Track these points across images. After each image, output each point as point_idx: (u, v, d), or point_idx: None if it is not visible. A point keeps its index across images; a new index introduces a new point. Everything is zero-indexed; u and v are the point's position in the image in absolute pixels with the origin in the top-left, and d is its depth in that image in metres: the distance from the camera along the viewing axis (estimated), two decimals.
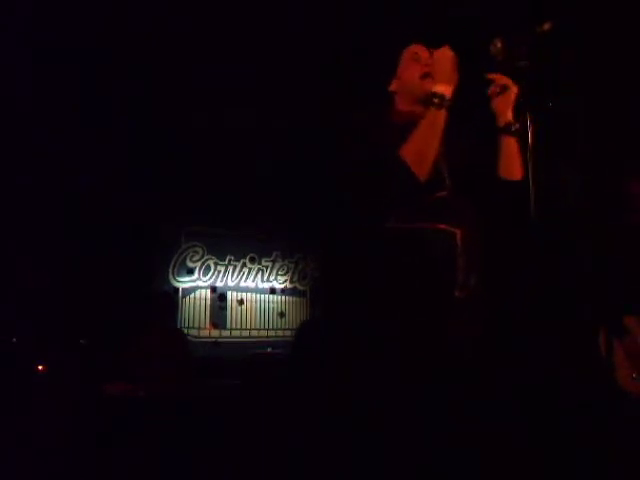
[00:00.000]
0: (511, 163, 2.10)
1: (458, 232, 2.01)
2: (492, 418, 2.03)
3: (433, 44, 2.09)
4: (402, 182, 1.93)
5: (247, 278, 6.91)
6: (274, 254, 7.10)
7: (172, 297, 5.48)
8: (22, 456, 3.41)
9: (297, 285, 7.21)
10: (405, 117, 2.09)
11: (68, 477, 3.40)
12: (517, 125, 2.09)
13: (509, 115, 2.11)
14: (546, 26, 1.89)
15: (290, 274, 7.17)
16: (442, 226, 2.00)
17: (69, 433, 3.59)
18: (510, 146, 2.10)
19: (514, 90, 2.08)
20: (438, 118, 1.95)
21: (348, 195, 2.18)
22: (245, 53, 4.50)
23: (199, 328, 6.47)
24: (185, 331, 5.85)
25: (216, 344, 6.40)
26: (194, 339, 6.24)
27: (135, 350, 4.39)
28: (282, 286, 7.11)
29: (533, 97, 1.93)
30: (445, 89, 1.97)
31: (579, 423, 3.03)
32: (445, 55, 2.01)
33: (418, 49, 2.21)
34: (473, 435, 1.95)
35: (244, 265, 6.91)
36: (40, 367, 4.53)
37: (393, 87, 2.24)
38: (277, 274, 7.10)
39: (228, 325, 6.68)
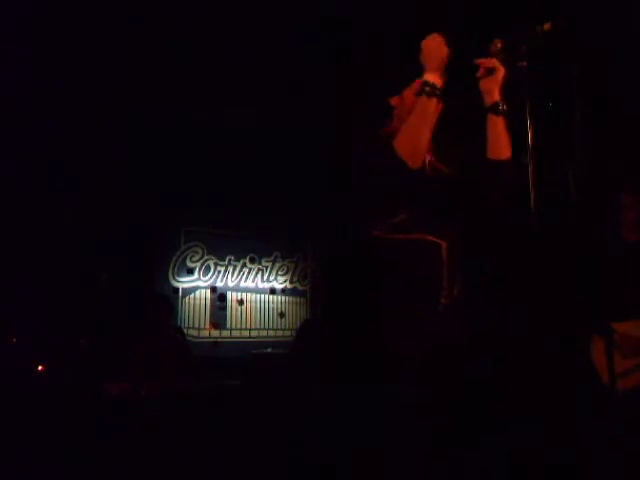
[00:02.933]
0: (498, 143, 2.14)
1: (444, 244, 2.10)
2: (479, 418, 2.08)
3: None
4: (395, 171, 1.98)
5: (247, 278, 6.91)
6: (274, 254, 7.11)
7: (170, 299, 5.47)
8: (22, 456, 3.41)
9: (297, 285, 7.21)
10: (395, 132, 2.11)
11: (68, 477, 3.41)
12: (504, 105, 2.12)
13: (496, 95, 2.13)
14: (546, 26, 1.89)
15: (290, 274, 7.17)
16: (429, 237, 2.08)
17: (69, 433, 3.59)
18: (497, 126, 2.13)
19: (501, 71, 2.10)
20: (429, 106, 1.99)
21: (349, 197, 2.24)
22: (246, 52, 4.50)
23: (199, 328, 6.47)
24: (185, 331, 5.84)
25: (216, 344, 6.40)
26: (194, 339, 6.25)
27: (135, 350, 4.39)
28: (282, 286, 7.11)
29: (532, 97, 1.93)
30: (436, 78, 2.00)
31: (570, 421, 3.09)
32: (434, 44, 2.03)
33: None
34: (463, 433, 1.99)
35: (244, 265, 6.91)
36: (40, 367, 4.53)
37: (394, 101, 2.30)
38: (277, 274, 7.11)
39: (228, 325, 6.68)
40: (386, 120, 2.28)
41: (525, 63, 1.95)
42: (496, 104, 2.12)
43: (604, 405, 2.79)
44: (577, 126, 1.89)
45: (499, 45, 2.05)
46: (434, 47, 2.03)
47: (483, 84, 2.14)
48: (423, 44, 2.05)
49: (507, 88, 2.11)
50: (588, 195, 1.91)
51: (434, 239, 2.08)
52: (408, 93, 2.23)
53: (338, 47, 4.27)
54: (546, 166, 2.04)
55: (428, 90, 1.98)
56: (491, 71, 2.10)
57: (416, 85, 2.18)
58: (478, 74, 2.13)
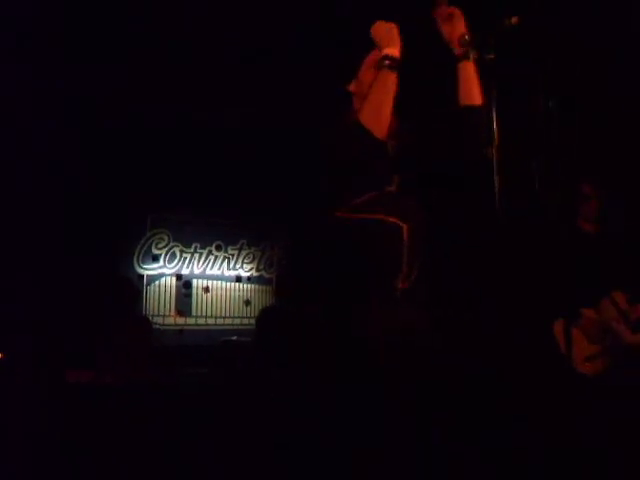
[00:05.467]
0: (470, 88, 2.17)
1: (405, 226, 2.11)
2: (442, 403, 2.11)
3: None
4: (362, 143, 2.01)
5: (213, 266, 6.88)
6: (240, 242, 7.08)
7: (134, 283, 5.42)
8: None
9: (263, 273, 7.20)
10: None
11: (32, 466, 3.37)
12: (474, 52, 2.15)
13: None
14: (514, 20, 1.92)
15: (256, 262, 7.16)
16: (391, 219, 2.10)
17: (33, 423, 3.54)
18: (468, 71, 2.17)
19: (461, 16, 2.16)
20: (390, 79, 2.05)
21: (315, 179, 2.25)
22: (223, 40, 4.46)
23: (164, 315, 6.43)
24: (150, 319, 5.80)
25: (181, 332, 6.37)
26: (159, 327, 6.21)
27: (100, 337, 4.35)
28: (248, 274, 7.10)
29: (499, 90, 1.96)
30: (392, 51, 2.06)
31: (538, 405, 3.18)
32: (381, 26, 2.11)
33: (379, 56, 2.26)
34: (426, 418, 2.03)
35: (210, 253, 6.87)
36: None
37: (352, 88, 2.34)
38: (243, 262, 7.09)
39: (193, 313, 6.65)
40: (348, 107, 2.31)
41: (493, 56, 1.97)
42: (466, 51, 2.15)
43: (570, 389, 2.88)
44: (542, 119, 1.93)
45: (467, 37, 2.08)
46: (382, 27, 2.11)
47: (446, 32, 2.19)
48: (372, 30, 2.12)
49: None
50: (552, 188, 1.95)
51: (396, 221, 2.10)
52: (363, 73, 2.29)
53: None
54: (512, 158, 2.07)
55: (388, 63, 2.05)
56: (449, 17, 2.16)
57: (369, 62, 2.26)
58: (437, 20, 2.18)
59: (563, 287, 2.98)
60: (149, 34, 4.27)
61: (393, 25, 2.09)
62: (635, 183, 3.75)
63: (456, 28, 2.16)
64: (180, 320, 6.49)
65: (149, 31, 4.24)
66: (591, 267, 3.29)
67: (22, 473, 3.30)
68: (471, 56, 2.14)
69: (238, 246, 7.07)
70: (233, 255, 7.03)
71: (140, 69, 4.77)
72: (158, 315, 6.37)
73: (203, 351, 5.55)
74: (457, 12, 2.16)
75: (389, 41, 2.07)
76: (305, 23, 4.17)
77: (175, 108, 5.35)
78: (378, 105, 2.03)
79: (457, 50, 2.17)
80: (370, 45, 2.17)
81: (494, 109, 1.94)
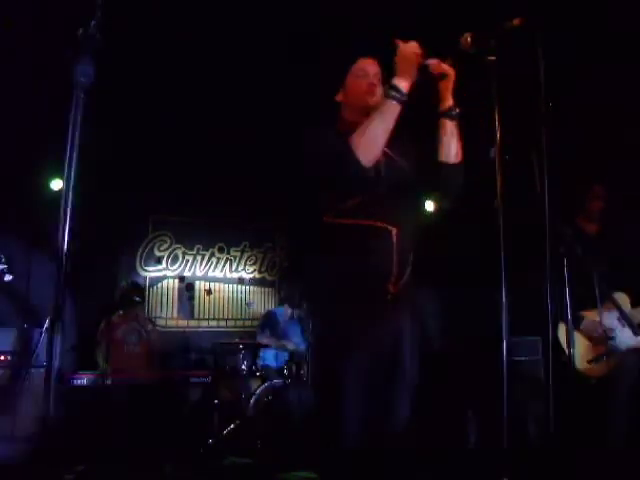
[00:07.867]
0: (449, 147, 2.15)
1: (394, 229, 2.08)
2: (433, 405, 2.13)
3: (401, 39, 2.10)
4: (346, 166, 1.99)
5: (215, 268, 6.88)
6: (243, 244, 7.09)
7: (142, 287, 5.43)
8: None
9: (266, 275, 7.20)
10: (349, 126, 2.12)
11: (34, 466, 3.37)
12: (457, 110, 2.14)
13: (450, 100, 2.15)
14: (515, 22, 1.92)
15: (259, 264, 7.16)
16: (380, 223, 2.07)
17: (34, 423, 3.55)
18: (449, 130, 2.14)
19: (452, 76, 2.11)
20: (392, 110, 2.01)
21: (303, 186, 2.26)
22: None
23: (166, 318, 6.43)
24: (153, 320, 5.81)
25: (183, 334, 6.37)
26: (161, 329, 6.21)
27: (103, 339, 4.36)
28: (251, 276, 7.10)
29: (500, 92, 1.96)
30: (404, 84, 2.01)
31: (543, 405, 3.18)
32: (409, 51, 2.03)
33: (367, 64, 2.24)
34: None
35: (212, 255, 6.88)
36: (2, 357, 4.46)
37: (339, 97, 2.30)
38: (246, 264, 7.09)
39: (196, 315, 6.65)
40: (336, 115, 2.29)
41: (494, 58, 1.97)
42: (450, 109, 2.14)
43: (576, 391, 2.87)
44: (542, 119, 1.93)
45: (469, 39, 2.08)
46: (410, 54, 2.03)
47: (436, 88, 2.14)
48: (400, 49, 2.04)
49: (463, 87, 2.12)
50: (553, 188, 1.95)
51: (384, 225, 2.07)
52: (350, 81, 2.25)
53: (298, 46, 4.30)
54: (513, 160, 2.08)
55: (394, 95, 2.00)
56: (443, 75, 2.10)
57: (355, 70, 2.23)
58: (433, 76, 2.12)
59: (565, 289, 2.98)
60: (151, 34, 4.28)
61: (421, 60, 2.01)
62: (636, 183, 3.75)
63: (447, 87, 2.13)
64: (182, 322, 6.50)
65: (151, 32, 4.25)
66: (593, 268, 3.28)
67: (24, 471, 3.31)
68: (454, 114, 2.13)
69: (240, 248, 7.07)
70: (235, 257, 7.03)
71: (142, 71, 4.79)
72: (160, 317, 6.37)
73: (204, 353, 5.55)
74: (450, 71, 2.10)
75: (405, 72, 2.01)
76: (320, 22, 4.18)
77: (176, 109, 5.36)
78: (373, 134, 1.99)
79: (442, 107, 2.14)
80: (355, 56, 2.18)
81: (495, 110, 1.94)
